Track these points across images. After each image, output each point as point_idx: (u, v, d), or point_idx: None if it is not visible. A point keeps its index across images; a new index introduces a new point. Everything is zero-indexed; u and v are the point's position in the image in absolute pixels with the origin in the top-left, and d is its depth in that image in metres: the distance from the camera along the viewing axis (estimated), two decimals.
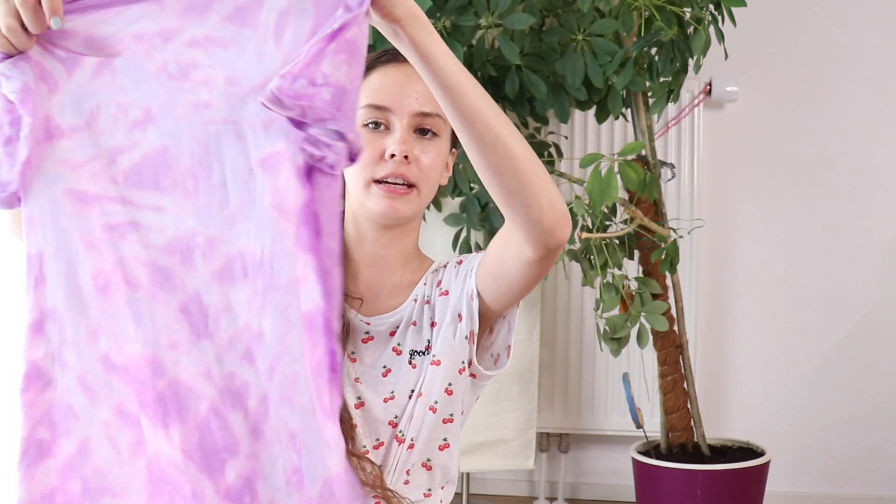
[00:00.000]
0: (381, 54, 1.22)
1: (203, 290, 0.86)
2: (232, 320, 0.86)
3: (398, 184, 1.17)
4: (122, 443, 0.85)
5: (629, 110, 2.46)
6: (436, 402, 1.17)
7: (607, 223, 2.37)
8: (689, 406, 2.51)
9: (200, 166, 0.88)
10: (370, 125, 1.19)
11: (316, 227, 0.86)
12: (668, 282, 2.47)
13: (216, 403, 0.84)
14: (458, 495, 2.80)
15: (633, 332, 2.34)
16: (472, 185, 2.36)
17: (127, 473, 0.85)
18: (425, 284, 1.24)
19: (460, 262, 1.24)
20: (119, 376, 0.85)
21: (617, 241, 2.34)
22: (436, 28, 1.20)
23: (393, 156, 1.17)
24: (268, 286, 0.85)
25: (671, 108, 2.85)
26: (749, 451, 2.54)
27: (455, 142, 1.25)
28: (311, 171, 0.87)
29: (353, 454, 1.13)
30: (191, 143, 0.88)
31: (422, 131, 1.20)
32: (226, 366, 0.85)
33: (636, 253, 2.47)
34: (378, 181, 1.18)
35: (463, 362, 1.19)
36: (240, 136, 0.88)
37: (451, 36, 2.05)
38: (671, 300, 2.48)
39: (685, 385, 2.51)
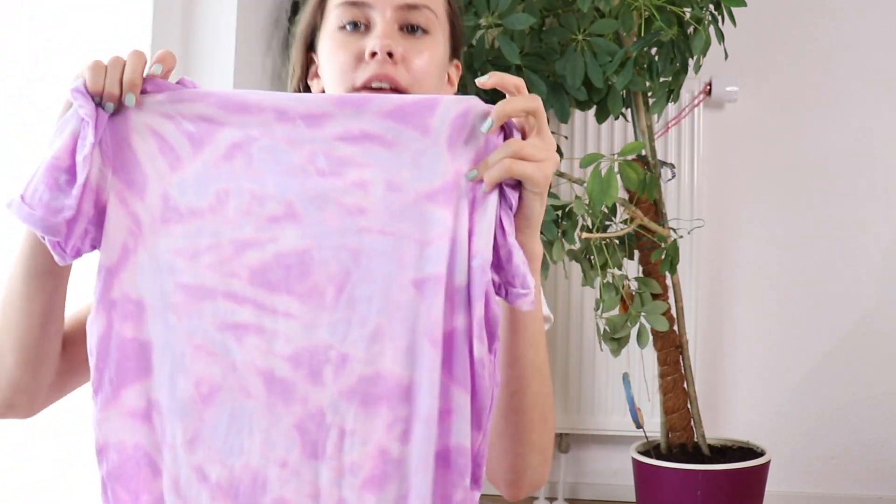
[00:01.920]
0: None
1: (328, 410, 0.79)
2: (359, 444, 0.79)
3: (384, 88, 0.96)
4: None
5: (629, 110, 2.46)
6: None
7: (607, 223, 2.37)
8: (688, 406, 2.51)
9: (345, 277, 0.79)
10: (347, 27, 1.00)
11: (471, 360, 0.78)
12: (668, 282, 2.47)
13: None
14: None
15: (633, 332, 2.34)
16: None
17: None
18: None
19: None
20: (210, 491, 0.79)
21: (617, 241, 2.34)
22: None
23: (374, 54, 0.96)
24: (413, 414, 0.78)
25: (671, 108, 2.85)
26: (749, 451, 2.53)
27: (456, 52, 1.08)
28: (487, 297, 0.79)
29: None
30: (338, 251, 0.79)
31: (410, 29, 1.00)
32: (341, 490, 0.78)
33: (636, 253, 2.47)
34: (359, 89, 0.97)
35: None
36: (397, 250, 0.79)
37: None
38: (671, 300, 2.48)
39: (685, 385, 2.51)
